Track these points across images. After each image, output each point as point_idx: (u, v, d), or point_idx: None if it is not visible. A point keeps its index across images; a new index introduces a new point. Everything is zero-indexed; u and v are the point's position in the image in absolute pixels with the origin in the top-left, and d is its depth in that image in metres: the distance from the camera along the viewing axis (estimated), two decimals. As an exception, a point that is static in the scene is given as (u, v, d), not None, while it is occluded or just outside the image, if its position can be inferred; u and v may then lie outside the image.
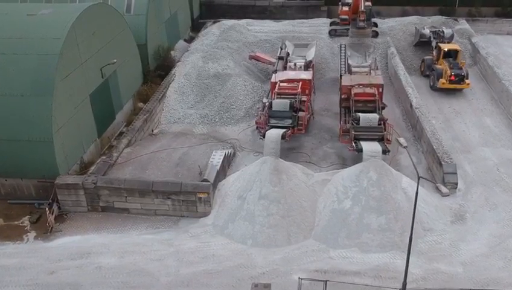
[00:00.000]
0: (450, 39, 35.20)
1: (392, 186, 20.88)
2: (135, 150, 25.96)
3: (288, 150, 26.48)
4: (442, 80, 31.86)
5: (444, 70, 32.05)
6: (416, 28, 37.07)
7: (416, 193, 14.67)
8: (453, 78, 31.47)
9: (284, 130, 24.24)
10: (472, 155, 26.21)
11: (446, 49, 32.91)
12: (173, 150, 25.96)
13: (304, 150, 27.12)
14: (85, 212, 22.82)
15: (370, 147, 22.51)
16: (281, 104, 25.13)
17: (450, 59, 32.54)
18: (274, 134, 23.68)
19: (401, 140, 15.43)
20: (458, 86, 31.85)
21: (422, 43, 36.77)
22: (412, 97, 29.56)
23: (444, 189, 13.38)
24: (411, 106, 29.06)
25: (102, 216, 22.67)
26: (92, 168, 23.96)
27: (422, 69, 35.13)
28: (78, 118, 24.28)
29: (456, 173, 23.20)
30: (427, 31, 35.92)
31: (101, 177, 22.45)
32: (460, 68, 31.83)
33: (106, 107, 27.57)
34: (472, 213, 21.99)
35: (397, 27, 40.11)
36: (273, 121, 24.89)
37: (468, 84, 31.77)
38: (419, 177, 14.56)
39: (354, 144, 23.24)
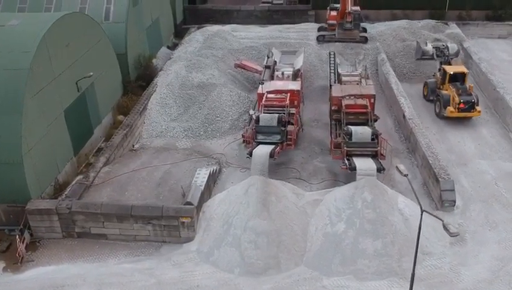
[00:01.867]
0: (455, 56, 31.67)
1: (388, 207, 19.62)
2: (114, 168, 24.37)
3: (277, 165, 25.08)
4: (450, 108, 28.19)
5: (452, 97, 28.39)
6: (417, 42, 33.18)
7: (419, 230, 13.36)
8: (462, 105, 27.85)
9: (273, 146, 22.83)
10: (469, 168, 25.07)
11: (452, 72, 29.18)
12: (155, 168, 24.43)
13: (293, 165, 25.74)
14: (59, 239, 21.22)
15: (364, 165, 21.19)
16: (268, 118, 23.73)
17: (457, 83, 28.97)
18: (262, 153, 22.26)
19: (401, 167, 14.18)
20: (468, 115, 28.32)
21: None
22: (404, 107, 28.36)
23: (452, 229, 12.23)
24: (404, 116, 27.86)
25: (78, 243, 21.08)
26: (67, 190, 22.35)
27: (425, 94, 31.49)
28: (51, 136, 22.66)
29: (453, 190, 22.01)
30: (429, 48, 32.13)
31: (76, 202, 20.87)
32: (470, 94, 28.33)
33: (83, 123, 25.95)
34: (472, 233, 20.82)
35: (387, 32, 38.97)
36: (260, 137, 23.48)
37: (479, 111, 28.30)
38: (422, 212, 13.30)
39: (346, 161, 21.91)
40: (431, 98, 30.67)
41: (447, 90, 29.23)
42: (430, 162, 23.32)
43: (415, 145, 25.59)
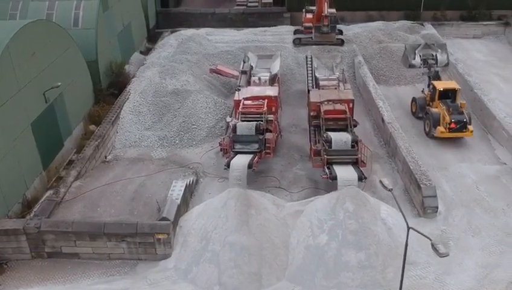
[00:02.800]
0: (445, 67, 30.38)
1: (371, 217, 19.11)
2: (85, 182, 23.32)
3: (256, 174, 24.33)
4: (441, 129, 26.22)
5: (442, 116, 26.43)
6: (405, 48, 30.68)
7: (405, 248, 12.85)
8: (453, 125, 25.88)
9: (251, 156, 22.11)
10: (449, 172, 24.79)
11: (442, 89, 27.18)
12: (128, 181, 23.46)
13: (272, 173, 25.06)
14: (28, 260, 20.09)
15: (345, 174, 20.66)
16: (246, 127, 23.01)
17: (448, 101, 26.90)
18: (240, 164, 21.51)
19: (385, 181, 13.64)
20: (460, 135, 26.37)
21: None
22: (383, 111, 27.99)
23: (442, 249, 11.82)
24: (383, 120, 27.48)
25: (49, 264, 19.99)
26: (36, 208, 21.24)
27: (413, 110, 29.56)
28: (17, 151, 21.52)
29: (436, 196, 21.65)
30: (417, 61, 29.88)
31: (45, 220, 19.78)
32: (461, 112, 26.27)
33: (52, 135, 24.80)
34: (455, 240, 20.46)
35: (363, 34, 38.70)
36: (238, 147, 22.73)
37: (471, 131, 26.25)
38: (408, 229, 12.81)
39: (327, 170, 21.33)
40: (420, 115, 28.62)
41: (436, 107, 27.22)
42: (411, 167, 22.95)
43: (395, 149, 25.21)
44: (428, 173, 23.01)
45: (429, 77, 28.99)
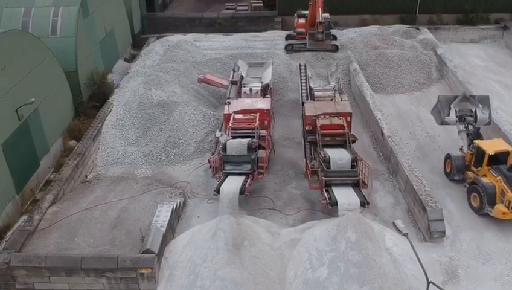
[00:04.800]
0: (486, 125, 24.58)
1: (375, 247, 17.43)
2: (63, 207, 21.41)
3: (248, 194, 22.61)
4: (501, 208, 20.20)
5: (499, 189, 20.57)
6: (438, 100, 24.79)
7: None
8: None
9: (242, 179, 20.32)
10: (454, 191, 23.23)
11: (493, 153, 21.43)
12: (109, 205, 21.59)
13: (265, 193, 23.35)
14: (-2, 297, 18.23)
15: (345, 199, 18.94)
16: (237, 146, 21.22)
17: (502, 167, 21.08)
18: (230, 189, 19.65)
19: (399, 224, 12.00)
20: None
21: None
22: (382, 123, 26.38)
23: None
24: (382, 133, 25.88)
25: (20, 301, 18.14)
26: (7, 238, 19.33)
27: (448, 170, 23.86)
28: (-14, 175, 19.63)
29: (443, 220, 20.07)
30: (452, 118, 24.22)
31: (15, 255, 17.86)
32: None
33: (27, 155, 22.87)
34: (465, 268, 18.90)
35: (358, 39, 37.15)
36: (228, 168, 20.94)
37: None
38: (428, 284, 11.17)
39: (325, 194, 19.61)
40: (456, 178, 23.25)
41: (486, 175, 21.56)
42: (415, 187, 21.34)
43: (396, 166, 23.61)
44: (433, 193, 21.47)
45: (467, 134, 23.74)
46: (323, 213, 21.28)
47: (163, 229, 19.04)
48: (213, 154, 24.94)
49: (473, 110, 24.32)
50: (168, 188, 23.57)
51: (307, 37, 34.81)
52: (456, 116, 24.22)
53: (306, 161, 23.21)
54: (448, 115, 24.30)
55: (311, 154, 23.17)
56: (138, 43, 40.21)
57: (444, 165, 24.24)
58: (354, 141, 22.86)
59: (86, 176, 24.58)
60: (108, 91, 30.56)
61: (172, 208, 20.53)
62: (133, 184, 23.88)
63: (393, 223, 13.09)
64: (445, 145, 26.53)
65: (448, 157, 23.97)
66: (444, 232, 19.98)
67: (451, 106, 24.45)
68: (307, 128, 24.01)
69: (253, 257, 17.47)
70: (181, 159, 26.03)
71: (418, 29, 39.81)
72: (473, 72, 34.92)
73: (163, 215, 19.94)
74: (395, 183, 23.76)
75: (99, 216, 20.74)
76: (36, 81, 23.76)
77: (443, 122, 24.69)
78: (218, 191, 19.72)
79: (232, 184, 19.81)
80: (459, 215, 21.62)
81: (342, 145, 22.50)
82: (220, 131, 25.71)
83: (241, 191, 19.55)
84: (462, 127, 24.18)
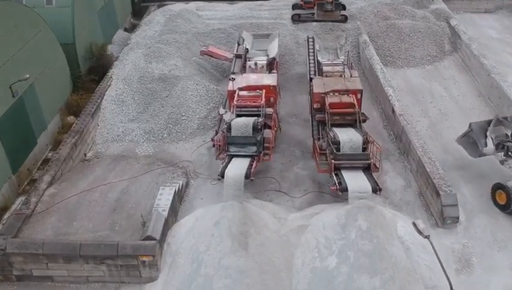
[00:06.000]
0: None
1: (387, 236, 16.68)
2: (61, 188, 20.60)
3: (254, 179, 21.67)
4: None
5: None
6: (470, 129, 21.31)
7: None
8: None
9: (247, 162, 19.36)
10: (467, 172, 22.30)
11: None
12: (109, 186, 20.77)
13: (271, 174, 22.46)
14: (-5, 283, 17.64)
15: (357, 185, 18.01)
16: (242, 126, 20.19)
17: None
18: (235, 175, 18.67)
19: (420, 225, 11.07)
20: None
21: None
22: (393, 100, 25.23)
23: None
24: (393, 111, 24.77)
25: (18, 287, 17.52)
26: (3, 221, 18.61)
27: (499, 201, 19.90)
28: (-20, 156, 18.76)
29: (457, 205, 19.22)
30: (490, 147, 20.77)
31: (11, 241, 17.15)
32: None
33: (23, 133, 21.94)
34: (479, 256, 18.14)
35: (367, 9, 35.48)
36: (233, 149, 19.97)
37: None
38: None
39: (335, 178, 18.68)
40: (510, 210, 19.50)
41: None
42: (428, 170, 20.40)
43: (408, 146, 22.62)
44: (447, 176, 20.54)
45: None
46: (332, 196, 20.40)
47: (165, 213, 18.26)
48: (217, 132, 24.06)
49: (509, 133, 20.88)
50: (170, 167, 22.70)
51: (315, 7, 33.22)
52: (494, 145, 20.76)
53: (314, 141, 22.22)
54: (486, 145, 20.86)
55: (319, 134, 22.15)
56: (139, 12, 38.66)
57: (493, 195, 20.20)
58: (364, 121, 21.79)
59: (85, 155, 23.72)
60: (107, 64, 29.35)
61: (175, 191, 19.70)
62: (134, 163, 23.01)
63: (413, 224, 12.21)
64: (459, 124, 25.42)
65: (499, 186, 19.86)
66: (458, 218, 19.18)
67: (488, 133, 20.93)
68: (315, 105, 22.91)
69: (259, 245, 16.74)
70: (183, 137, 25.08)
71: (431, -2, 38.01)
72: (488, 45, 33.35)
73: (165, 198, 19.12)
74: (406, 164, 22.82)
75: (99, 199, 19.93)
76: (31, 55, 22.62)
77: (481, 155, 21.17)
78: (222, 175, 18.80)
79: (237, 168, 18.88)
80: (472, 199, 20.74)
81: (351, 124, 21.49)
82: (223, 108, 24.68)
83: (247, 176, 18.63)
84: (502, 156, 20.59)
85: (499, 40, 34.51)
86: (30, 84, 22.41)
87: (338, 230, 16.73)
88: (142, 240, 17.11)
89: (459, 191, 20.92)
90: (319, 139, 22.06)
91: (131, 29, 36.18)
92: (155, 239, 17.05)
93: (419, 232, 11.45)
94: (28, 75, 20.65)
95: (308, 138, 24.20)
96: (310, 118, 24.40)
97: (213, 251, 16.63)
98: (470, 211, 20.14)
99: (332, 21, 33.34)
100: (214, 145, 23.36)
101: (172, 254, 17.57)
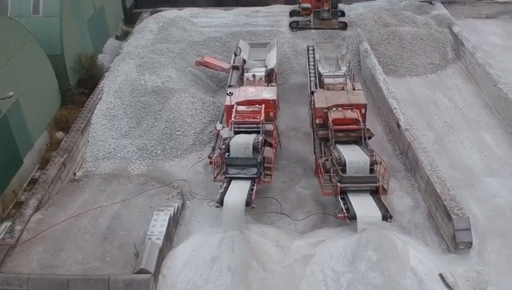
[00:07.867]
0: None
1: (399, 267, 15.52)
2: (48, 214, 19.30)
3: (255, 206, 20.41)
4: None
5: None
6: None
7: None
8: None
9: (248, 186, 18.14)
10: (477, 190, 21.23)
11: None
12: (100, 210, 19.50)
13: (272, 193, 21.25)
14: (-25, 321, 16.33)
15: (365, 213, 16.81)
16: (241, 146, 18.95)
17: None
18: (235, 202, 17.36)
19: (449, 278, 9.90)
20: None
21: None
22: (398, 114, 24.12)
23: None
24: (398, 125, 23.67)
25: (1, 326, 16.27)
26: (-15, 252, 17.31)
27: None
28: (-41, 182, 17.43)
29: (469, 229, 18.10)
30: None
31: (-7, 276, 15.92)
32: None
33: (7, 153, 20.60)
34: (495, 285, 17.01)
35: (367, 15, 34.42)
36: (232, 172, 18.74)
37: None
38: None
39: (342, 204, 17.50)
40: None
41: None
42: (438, 190, 19.27)
43: (415, 164, 21.51)
44: (456, 195, 19.45)
45: None
46: (336, 218, 19.27)
47: (160, 242, 17.03)
48: (213, 149, 22.90)
49: None
50: (165, 187, 21.47)
51: (311, 14, 32.13)
52: None
53: (316, 159, 21.07)
54: None
55: (321, 152, 21.00)
56: (131, 19, 37.37)
57: None
58: (370, 137, 20.69)
59: (75, 174, 22.43)
60: (98, 75, 28.04)
61: (170, 215, 18.48)
62: (126, 183, 21.77)
63: (440, 275, 11.09)
64: (466, 138, 24.41)
65: None
66: (471, 243, 18.06)
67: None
68: (317, 121, 21.76)
69: (261, 279, 15.55)
70: (178, 153, 23.85)
71: (432, 3, 37.05)
72: (491, 52, 32.31)
73: (159, 224, 17.88)
74: (414, 183, 21.71)
75: (89, 225, 18.64)
76: (16, 70, 21.32)
77: None
78: (221, 203, 17.53)
79: (237, 194, 17.62)
80: (484, 220, 19.66)
81: (356, 141, 20.38)
82: (220, 123, 23.49)
83: (248, 203, 17.38)
84: None
85: (503, 47, 33.52)
86: (15, 101, 21.08)
87: (346, 262, 15.58)
88: (135, 273, 15.87)
89: (470, 211, 19.79)
90: (321, 157, 20.93)
91: (123, 37, 34.92)
92: (149, 272, 15.82)
93: (448, 286, 10.34)
94: (11, 93, 19.31)
95: (310, 153, 23.06)
96: (312, 133, 23.30)
97: (212, 285, 15.43)
98: (483, 234, 19.02)
99: (331, 28, 32.25)
100: (210, 163, 22.16)
101: (168, 287, 16.32)
